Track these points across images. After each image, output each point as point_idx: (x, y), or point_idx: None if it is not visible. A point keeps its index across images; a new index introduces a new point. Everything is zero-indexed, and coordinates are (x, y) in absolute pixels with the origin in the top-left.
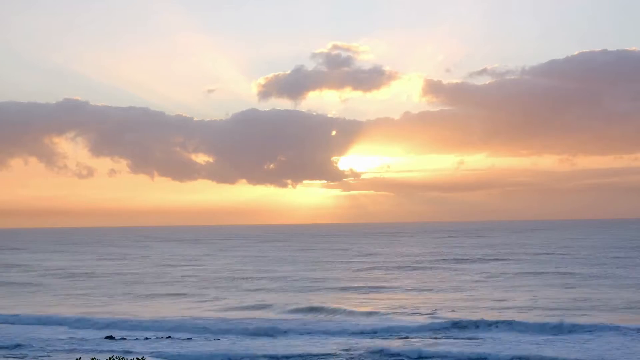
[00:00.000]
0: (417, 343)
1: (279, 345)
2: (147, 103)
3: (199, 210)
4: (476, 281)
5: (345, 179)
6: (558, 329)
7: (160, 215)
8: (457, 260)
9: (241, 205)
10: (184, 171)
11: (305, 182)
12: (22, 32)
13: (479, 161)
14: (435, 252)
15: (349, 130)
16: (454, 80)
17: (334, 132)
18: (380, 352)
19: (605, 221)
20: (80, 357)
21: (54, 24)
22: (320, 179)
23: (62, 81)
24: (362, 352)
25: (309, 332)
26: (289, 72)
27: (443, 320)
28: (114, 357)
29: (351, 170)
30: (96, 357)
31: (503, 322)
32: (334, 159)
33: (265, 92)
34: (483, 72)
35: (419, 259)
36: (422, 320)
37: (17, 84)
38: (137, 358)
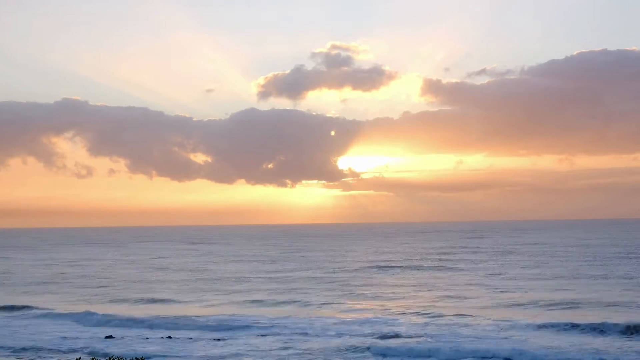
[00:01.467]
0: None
1: None
2: (147, 103)
3: (198, 210)
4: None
5: (344, 179)
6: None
7: (158, 215)
8: (382, 268)
9: (240, 205)
10: (182, 171)
11: (304, 182)
12: (19, 33)
13: (478, 161)
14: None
15: (349, 130)
16: (453, 80)
17: (333, 132)
18: None
19: (604, 221)
20: (80, 357)
21: (51, 24)
22: (319, 178)
23: (61, 81)
24: None
25: None
26: (288, 71)
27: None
28: (114, 357)
29: (350, 170)
30: (96, 357)
31: None
32: (333, 158)
33: (265, 92)
34: (482, 72)
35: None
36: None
37: (16, 85)
38: (136, 358)
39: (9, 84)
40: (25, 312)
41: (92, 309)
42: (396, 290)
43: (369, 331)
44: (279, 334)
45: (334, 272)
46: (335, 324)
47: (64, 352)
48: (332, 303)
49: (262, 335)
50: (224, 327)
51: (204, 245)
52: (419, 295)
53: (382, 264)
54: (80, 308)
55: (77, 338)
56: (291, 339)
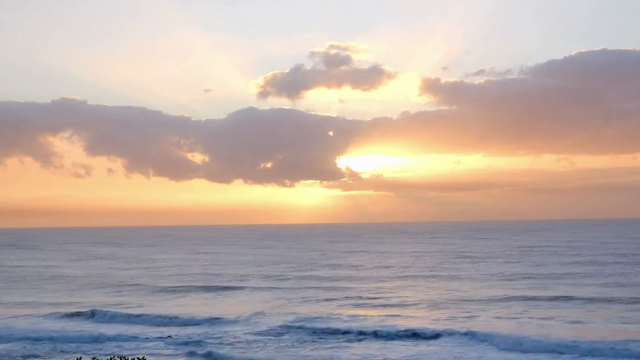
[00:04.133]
0: None
1: None
2: (145, 103)
3: (195, 210)
4: None
5: (343, 179)
6: None
7: (155, 215)
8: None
9: (238, 205)
10: (180, 171)
11: (303, 182)
12: (16, 32)
13: (476, 161)
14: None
15: (348, 130)
16: (452, 79)
17: (331, 132)
18: None
19: (603, 221)
20: (80, 357)
21: (48, 23)
22: (318, 178)
23: (58, 81)
24: None
25: None
26: (287, 71)
27: None
28: (114, 357)
29: (349, 169)
30: (96, 357)
31: None
32: (332, 158)
33: (264, 92)
34: (481, 71)
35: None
36: None
37: (14, 84)
38: (137, 357)
39: (7, 83)
40: None
41: None
42: None
43: None
44: None
45: None
46: None
47: None
48: None
49: None
50: None
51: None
52: None
53: None
54: None
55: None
56: None
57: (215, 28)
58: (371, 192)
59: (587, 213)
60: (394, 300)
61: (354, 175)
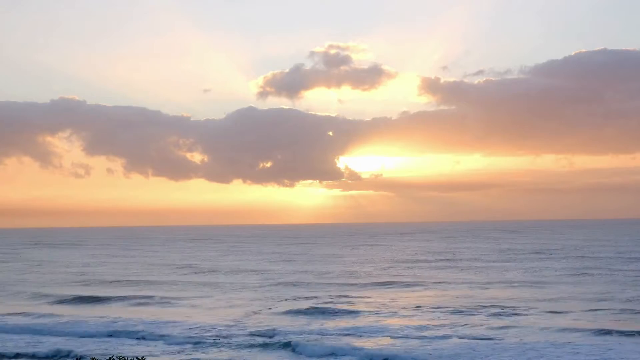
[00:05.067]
0: None
1: None
2: (145, 102)
3: (194, 210)
4: None
5: (343, 179)
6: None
7: (153, 215)
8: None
9: (238, 204)
10: (179, 170)
11: (302, 182)
12: (15, 32)
13: (476, 161)
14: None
15: (347, 130)
16: (452, 79)
17: (331, 132)
18: None
19: (602, 222)
20: (80, 357)
21: (47, 23)
22: (318, 178)
23: (58, 81)
24: None
25: None
26: (287, 71)
27: None
28: (114, 357)
29: (349, 169)
30: (96, 357)
31: None
32: (332, 158)
33: (264, 92)
34: (481, 71)
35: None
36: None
37: (13, 84)
38: (137, 358)
39: (6, 83)
40: None
41: None
42: None
43: None
44: None
45: None
46: None
47: None
48: None
49: None
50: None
51: None
52: None
53: None
54: None
55: None
56: None
57: (215, 28)
58: (371, 192)
59: (586, 213)
60: (345, 309)
61: (353, 175)
